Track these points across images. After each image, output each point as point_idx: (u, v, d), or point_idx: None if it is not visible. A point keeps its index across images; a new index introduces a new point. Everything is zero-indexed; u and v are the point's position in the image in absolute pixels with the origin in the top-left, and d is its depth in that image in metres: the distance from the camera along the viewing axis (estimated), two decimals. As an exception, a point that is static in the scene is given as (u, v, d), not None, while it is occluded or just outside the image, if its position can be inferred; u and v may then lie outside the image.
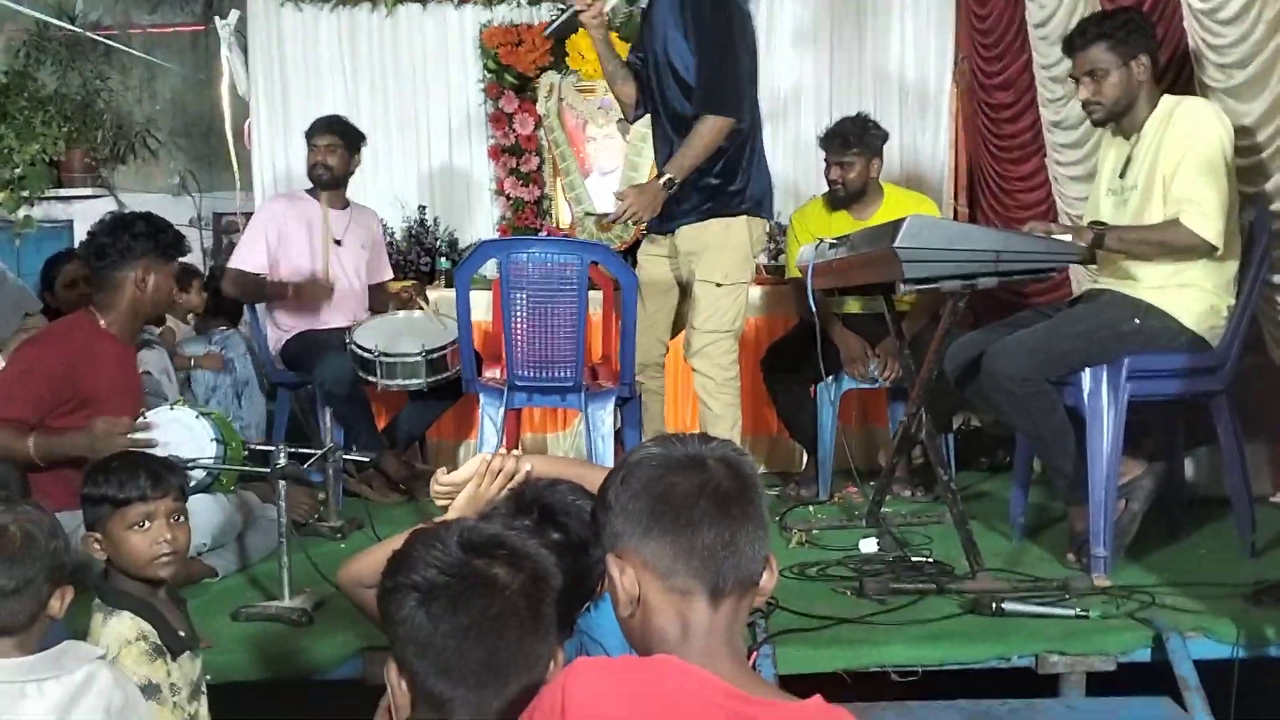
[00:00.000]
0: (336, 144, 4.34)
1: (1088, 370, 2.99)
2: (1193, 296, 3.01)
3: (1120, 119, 3.12)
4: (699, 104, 3.37)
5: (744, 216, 3.50)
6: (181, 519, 2.16)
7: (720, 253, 3.46)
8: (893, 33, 5.30)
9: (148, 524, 2.10)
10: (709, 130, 3.32)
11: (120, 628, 2.02)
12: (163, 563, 2.11)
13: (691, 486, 1.30)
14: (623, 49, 3.85)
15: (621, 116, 3.90)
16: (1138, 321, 3.00)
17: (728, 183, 3.45)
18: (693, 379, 3.61)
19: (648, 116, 3.67)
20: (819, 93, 5.35)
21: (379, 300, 4.51)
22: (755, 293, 4.69)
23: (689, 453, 1.34)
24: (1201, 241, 2.89)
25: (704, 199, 3.47)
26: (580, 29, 3.65)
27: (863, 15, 5.30)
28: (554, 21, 3.71)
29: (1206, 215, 2.88)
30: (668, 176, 3.33)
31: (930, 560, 3.12)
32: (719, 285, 3.47)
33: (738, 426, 3.57)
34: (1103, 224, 3.02)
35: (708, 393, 3.53)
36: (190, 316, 5.03)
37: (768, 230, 3.73)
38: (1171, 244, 2.94)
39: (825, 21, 5.31)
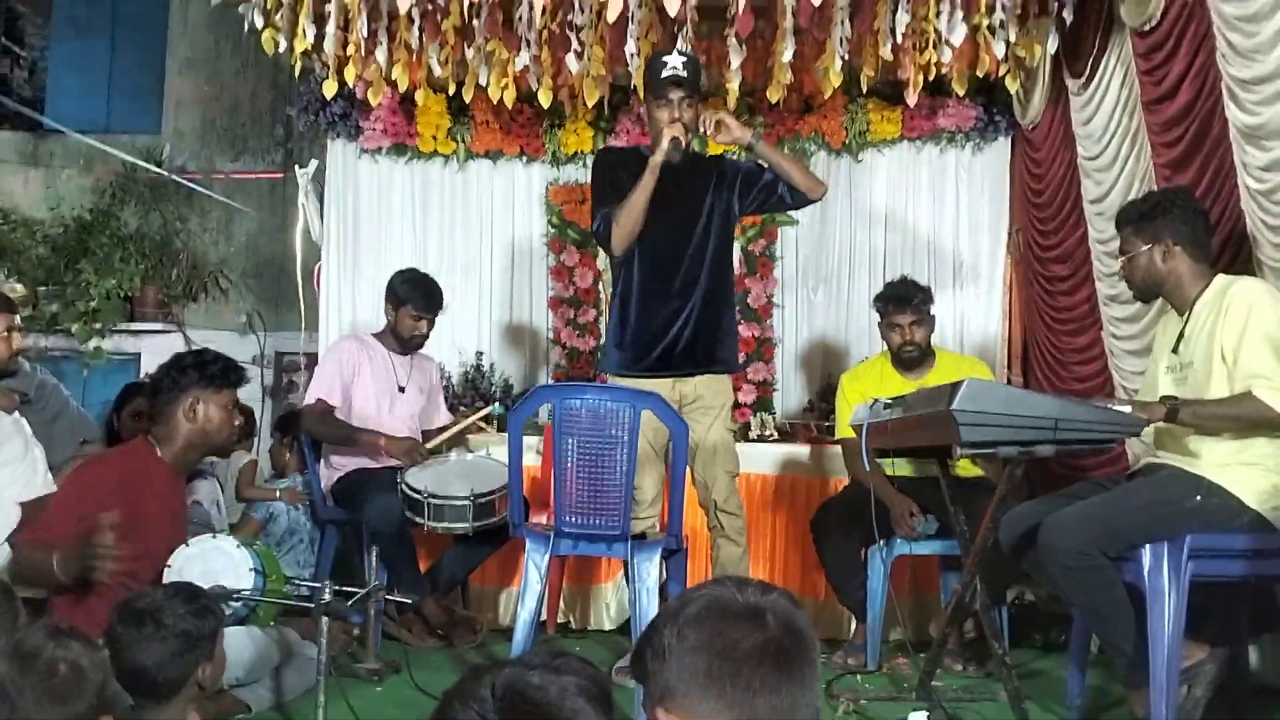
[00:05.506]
0: (436, 320, 4.52)
1: (1148, 547, 2.90)
2: (1257, 475, 2.93)
3: (1160, 297, 3.16)
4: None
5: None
6: None
7: (729, 406, 3.88)
8: (947, 201, 5.38)
9: None
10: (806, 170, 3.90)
11: None
12: None
13: (753, 646, 1.28)
14: None
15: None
16: (1199, 499, 2.92)
17: (736, 334, 3.92)
18: (726, 522, 3.79)
19: None
20: (874, 258, 5.43)
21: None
22: (804, 451, 4.67)
23: (749, 603, 1.31)
24: (1276, 415, 2.85)
25: (725, 352, 3.81)
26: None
27: (917, 183, 5.40)
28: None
29: (1277, 389, 2.85)
30: (757, 130, 4.02)
31: (983, 738, 3.00)
32: (732, 432, 3.89)
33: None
34: (1174, 398, 3.00)
35: (737, 532, 3.80)
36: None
37: None
38: (1245, 418, 2.89)
39: (881, 189, 5.42)
